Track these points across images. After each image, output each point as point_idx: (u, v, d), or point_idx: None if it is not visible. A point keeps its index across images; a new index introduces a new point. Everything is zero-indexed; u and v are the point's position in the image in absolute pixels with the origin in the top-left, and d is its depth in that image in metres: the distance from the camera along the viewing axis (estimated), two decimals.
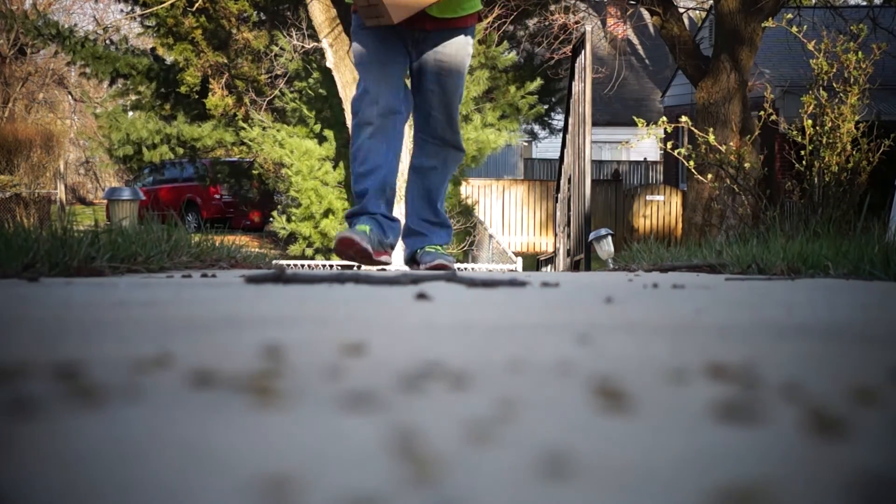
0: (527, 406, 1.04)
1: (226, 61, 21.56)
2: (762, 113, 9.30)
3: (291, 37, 20.43)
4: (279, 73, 21.38)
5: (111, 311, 2.03)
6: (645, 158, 34.49)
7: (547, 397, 1.11)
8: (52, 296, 2.46)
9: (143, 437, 0.89)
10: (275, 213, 21.42)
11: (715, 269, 4.80)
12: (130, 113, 23.21)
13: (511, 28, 21.55)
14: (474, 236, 21.45)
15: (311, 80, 20.48)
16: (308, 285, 2.84)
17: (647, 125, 10.00)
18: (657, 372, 1.27)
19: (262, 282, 2.88)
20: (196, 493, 0.73)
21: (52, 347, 1.45)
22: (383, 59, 4.82)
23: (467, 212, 21.02)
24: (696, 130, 9.90)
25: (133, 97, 23.10)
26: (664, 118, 10.21)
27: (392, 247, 4.98)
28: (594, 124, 13.19)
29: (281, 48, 20.60)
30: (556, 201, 15.57)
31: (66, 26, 22.69)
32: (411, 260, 5.15)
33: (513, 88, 20.96)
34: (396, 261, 6.43)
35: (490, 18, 19.48)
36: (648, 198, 27.16)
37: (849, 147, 8.61)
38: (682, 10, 21.07)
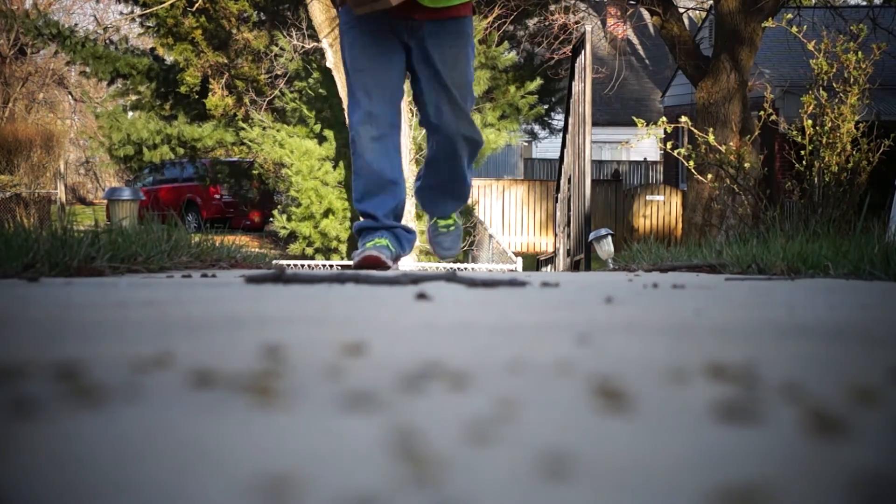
0: (527, 406, 1.04)
1: (226, 61, 21.57)
2: (762, 113, 9.30)
3: (291, 37, 20.44)
4: (279, 73, 21.40)
5: (111, 311, 2.03)
6: (645, 158, 34.50)
7: (547, 397, 1.11)
8: (52, 296, 2.46)
9: (143, 437, 0.89)
10: (275, 213, 21.43)
11: (715, 269, 4.80)
12: (130, 113, 23.23)
13: (511, 28, 21.56)
14: (474, 236, 21.45)
15: (311, 80, 20.49)
16: (308, 285, 2.84)
17: (647, 125, 10.01)
18: (657, 372, 1.27)
19: (262, 282, 2.88)
20: (196, 492, 0.73)
21: (51, 347, 1.45)
22: (377, 64, 4.64)
23: (467, 212, 21.03)
24: (695, 130, 9.90)
25: (133, 97, 23.12)
26: (664, 118, 10.22)
27: (403, 256, 4.97)
28: (594, 124, 13.20)
29: (281, 48, 20.61)
30: (556, 201, 15.58)
31: (67, 26, 22.71)
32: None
33: (513, 88, 20.98)
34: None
35: (490, 18, 19.48)
36: (648, 198, 27.16)
37: (849, 147, 8.61)
38: (682, 10, 21.08)
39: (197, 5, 20.47)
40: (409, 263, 10.90)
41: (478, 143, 4.88)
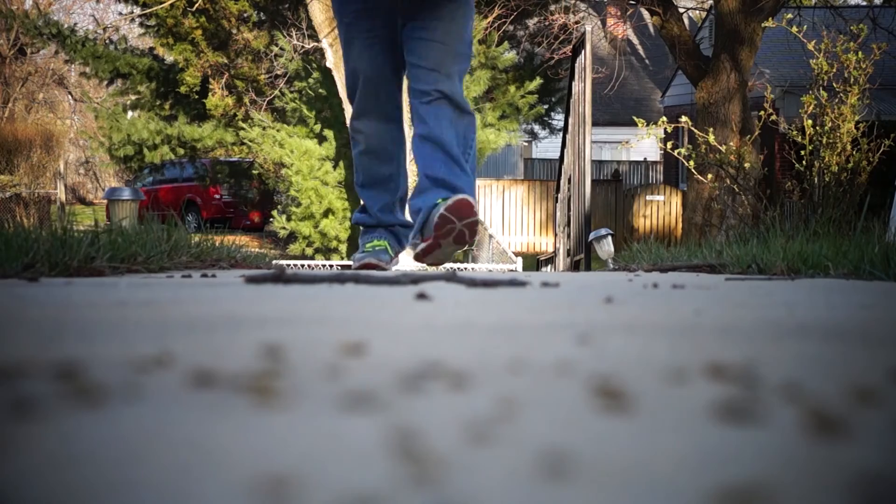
0: (527, 406, 1.04)
1: (226, 61, 21.57)
2: (762, 113, 9.31)
3: (291, 37, 20.44)
4: (279, 73, 21.40)
5: (111, 311, 2.03)
6: (645, 158, 34.52)
7: (547, 397, 1.11)
8: (52, 296, 2.46)
9: (143, 437, 0.89)
10: (275, 213, 21.45)
11: (715, 269, 4.80)
12: (130, 113, 23.23)
13: (511, 28, 21.57)
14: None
15: (311, 80, 20.49)
16: (308, 285, 2.84)
17: (647, 125, 10.01)
18: (657, 372, 1.27)
19: (262, 282, 2.88)
20: (196, 492, 0.73)
21: (51, 347, 1.45)
22: (374, 58, 4.57)
23: None
24: (696, 130, 9.91)
25: (133, 97, 23.13)
26: (664, 118, 10.22)
27: (403, 251, 4.99)
28: (594, 124, 13.20)
29: (281, 48, 20.62)
30: (556, 201, 15.58)
31: (67, 26, 22.71)
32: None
33: (513, 88, 20.98)
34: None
35: (490, 18, 19.49)
36: (648, 198, 27.17)
37: (849, 147, 8.61)
38: (682, 10, 21.08)
39: (197, 5, 20.47)
40: (410, 263, 10.93)
41: (467, 112, 4.55)
